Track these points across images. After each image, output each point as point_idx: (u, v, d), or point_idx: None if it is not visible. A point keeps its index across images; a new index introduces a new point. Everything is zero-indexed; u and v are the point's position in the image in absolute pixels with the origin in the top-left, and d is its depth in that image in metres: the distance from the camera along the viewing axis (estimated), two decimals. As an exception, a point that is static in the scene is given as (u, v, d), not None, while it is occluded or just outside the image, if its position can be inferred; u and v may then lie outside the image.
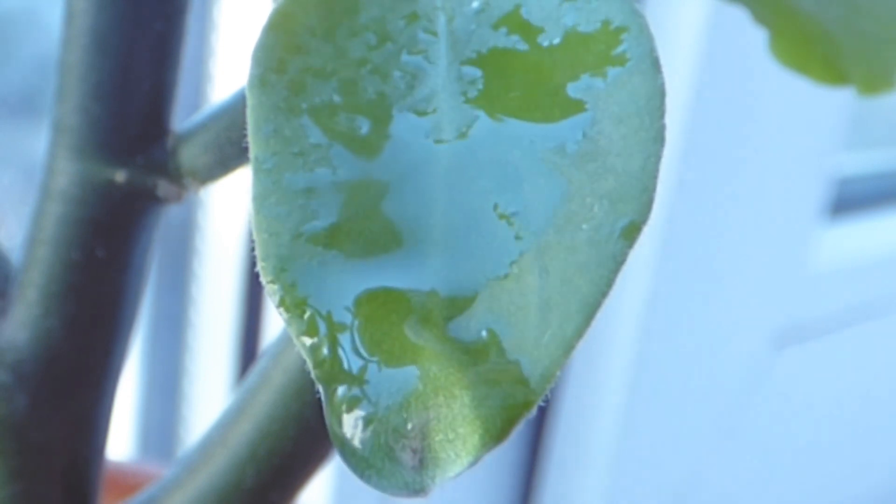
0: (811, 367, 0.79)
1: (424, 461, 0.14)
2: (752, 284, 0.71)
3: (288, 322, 0.14)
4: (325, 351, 0.14)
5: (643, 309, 0.63)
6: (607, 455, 0.66)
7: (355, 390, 0.14)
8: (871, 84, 0.26)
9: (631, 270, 0.62)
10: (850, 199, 0.82)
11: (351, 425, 0.14)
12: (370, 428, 0.14)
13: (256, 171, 0.15)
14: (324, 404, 0.14)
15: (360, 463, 0.14)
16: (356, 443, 0.14)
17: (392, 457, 0.14)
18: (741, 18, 0.26)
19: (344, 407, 0.14)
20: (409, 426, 0.14)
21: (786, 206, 0.71)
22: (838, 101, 0.68)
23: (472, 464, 0.14)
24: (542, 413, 0.65)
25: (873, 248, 0.83)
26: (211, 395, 0.56)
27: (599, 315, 0.14)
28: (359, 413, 0.14)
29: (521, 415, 0.14)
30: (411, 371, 0.14)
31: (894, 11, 0.27)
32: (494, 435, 0.14)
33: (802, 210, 0.72)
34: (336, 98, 0.16)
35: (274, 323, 0.54)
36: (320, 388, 0.14)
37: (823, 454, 0.83)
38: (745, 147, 0.65)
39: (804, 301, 0.76)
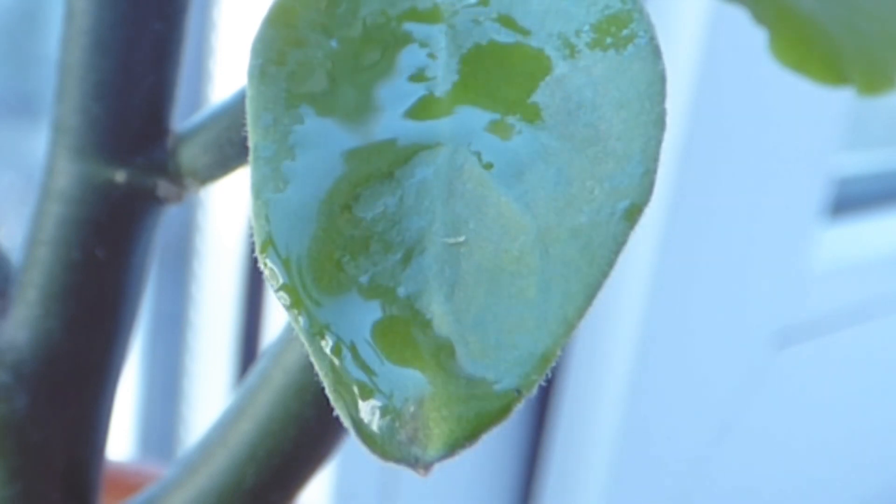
0: (811, 367, 0.79)
1: (419, 438, 0.14)
2: (752, 284, 0.71)
3: (288, 308, 0.14)
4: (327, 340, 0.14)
5: (643, 309, 0.63)
6: (608, 454, 0.66)
7: (362, 379, 0.14)
8: (871, 84, 0.26)
9: (630, 270, 0.62)
10: (850, 199, 0.82)
11: (366, 411, 0.14)
12: (377, 412, 0.14)
13: (255, 160, 0.15)
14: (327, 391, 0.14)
15: (369, 440, 0.14)
16: (365, 421, 0.14)
17: (393, 435, 0.14)
18: (741, 19, 0.26)
19: (355, 392, 0.14)
20: (406, 405, 0.14)
21: (786, 206, 0.71)
22: (838, 101, 0.68)
23: (469, 442, 0.14)
24: (543, 414, 0.65)
25: (873, 248, 0.83)
26: (211, 395, 0.56)
27: (599, 315, 0.14)
28: (358, 396, 0.14)
29: (521, 394, 0.14)
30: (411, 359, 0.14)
31: (894, 11, 0.27)
32: (492, 414, 0.14)
33: (802, 210, 0.72)
34: (335, 89, 0.16)
35: (274, 323, 0.54)
36: (321, 375, 0.14)
37: (823, 454, 0.83)
38: (744, 147, 0.65)
39: (804, 301, 0.76)
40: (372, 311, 0.15)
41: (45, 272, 0.23)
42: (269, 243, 0.15)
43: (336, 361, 0.14)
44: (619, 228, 0.15)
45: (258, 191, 0.15)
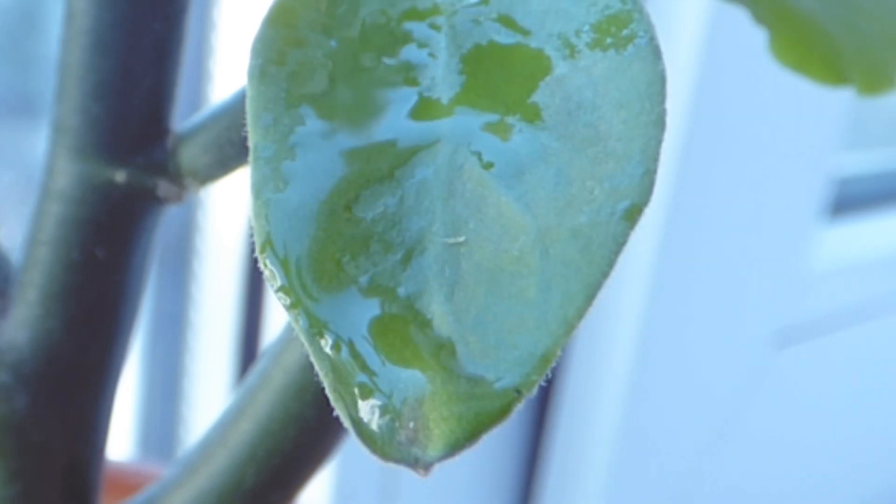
0: (811, 367, 0.79)
1: (419, 439, 0.14)
2: (752, 284, 0.71)
3: (288, 309, 0.14)
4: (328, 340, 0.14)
5: (643, 309, 0.63)
6: (608, 454, 0.66)
7: (362, 378, 0.14)
8: (871, 84, 0.26)
9: (630, 271, 0.62)
10: (850, 199, 0.82)
11: (365, 410, 0.14)
12: (376, 411, 0.14)
13: (255, 160, 0.15)
14: (328, 392, 0.14)
15: (369, 440, 0.14)
16: (364, 420, 0.14)
17: (393, 435, 0.14)
18: (741, 19, 0.26)
19: (355, 393, 0.14)
20: (406, 405, 0.14)
21: (786, 206, 0.71)
22: (838, 101, 0.68)
23: (469, 442, 0.14)
24: (543, 414, 0.65)
25: (873, 248, 0.83)
26: (211, 395, 0.56)
27: (599, 315, 0.14)
28: (358, 396, 0.14)
29: (521, 395, 0.14)
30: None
31: (894, 11, 0.27)
32: (492, 414, 0.14)
33: (802, 210, 0.72)
34: (335, 89, 0.16)
35: (274, 323, 0.54)
36: (322, 375, 0.14)
37: (823, 454, 0.83)
38: (745, 147, 0.65)
39: (804, 301, 0.76)
40: (371, 310, 0.15)
41: (45, 272, 0.23)
42: (269, 243, 0.15)
43: (336, 360, 0.14)
44: (619, 229, 0.15)
45: (258, 191, 0.15)
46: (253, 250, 0.15)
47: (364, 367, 0.14)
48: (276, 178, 0.15)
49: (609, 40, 0.16)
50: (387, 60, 0.16)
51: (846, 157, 0.79)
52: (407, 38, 0.17)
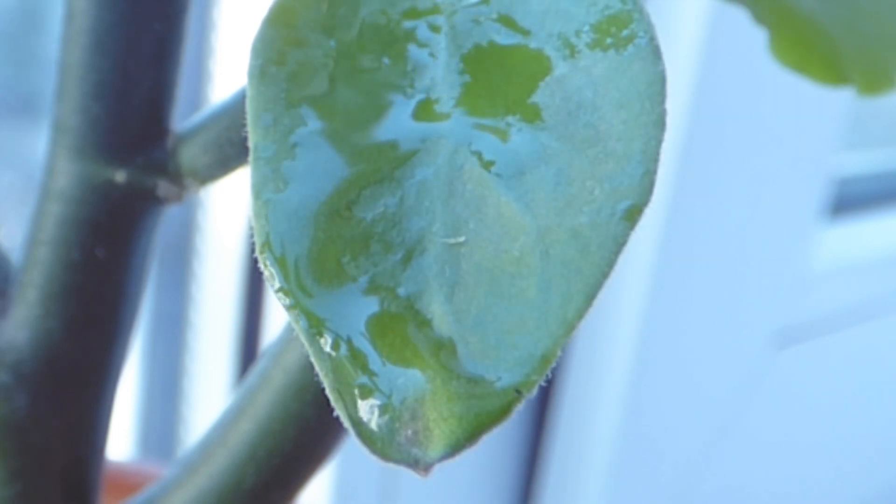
0: (811, 367, 0.79)
1: (419, 440, 0.14)
2: (752, 284, 0.71)
3: (288, 309, 0.15)
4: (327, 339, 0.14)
5: (643, 309, 0.63)
6: (608, 454, 0.66)
7: (362, 379, 0.14)
8: (871, 84, 0.26)
9: (630, 271, 0.62)
10: (850, 199, 0.82)
11: (365, 410, 0.14)
12: (376, 411, 0.14)
13: (256, 160, 0.15)
14: (328, 391, 0.14)
15: (369, 440, 0.14)
16: (364, 420, 0.14)
17: (392, 435, 0.14)
18: (741, 19, 0.26)
19: (355, 393, 0.14)
20: (406, 405, 0.14)
21: (786, 206, 0.71)
22: (838, 101, 0.68)
23: (469, 443, 0.14)
24: (543, 414, 0.65)
25: (873, 248, 0.83)
26: (211, 395, 0.56)
27: (599, 315, 0.14)
28: (358, 396, 0.14)
29: (521, 395, 0.14)
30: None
31: (894, 11, 0.27)
32: (492, 414, 0.14)
33: (802, 210, 0.72)
34: (335, 89, 0.16)
35: (274, 323, 0.54)
36: (322, 375, 0.14)
37: (823, 454, 0.83)
38: (744, 147, 0.65)
39: (804, 301, 0.76)
40: (370, 307, 0.15)
41: (45, 272, 0.23)
42: (268, 244, 0.15)
43: (335, 359, 0.14)
44: (620, 229, 0.15)
45: (258, 191, 0.15)
46: (253, 250, 0.15)
47: (364, 368, 0.14)
48: (276, 178, 0.15)
49: (609, 40, 0.16)
50: (387, 61, 0.16)
51: (846, 157, 0.79)
52: (407, 38, 0.17)
